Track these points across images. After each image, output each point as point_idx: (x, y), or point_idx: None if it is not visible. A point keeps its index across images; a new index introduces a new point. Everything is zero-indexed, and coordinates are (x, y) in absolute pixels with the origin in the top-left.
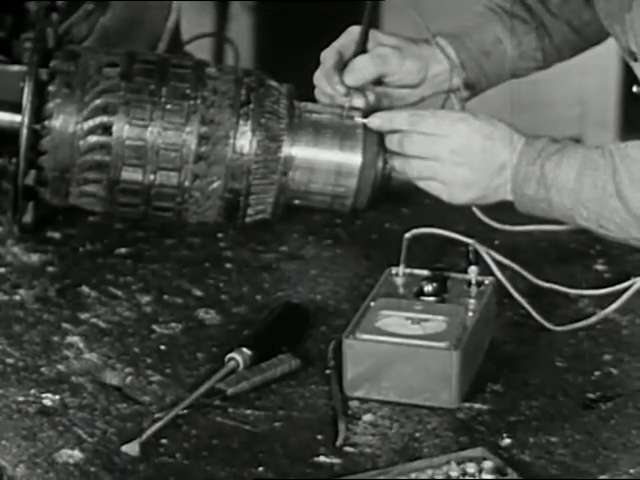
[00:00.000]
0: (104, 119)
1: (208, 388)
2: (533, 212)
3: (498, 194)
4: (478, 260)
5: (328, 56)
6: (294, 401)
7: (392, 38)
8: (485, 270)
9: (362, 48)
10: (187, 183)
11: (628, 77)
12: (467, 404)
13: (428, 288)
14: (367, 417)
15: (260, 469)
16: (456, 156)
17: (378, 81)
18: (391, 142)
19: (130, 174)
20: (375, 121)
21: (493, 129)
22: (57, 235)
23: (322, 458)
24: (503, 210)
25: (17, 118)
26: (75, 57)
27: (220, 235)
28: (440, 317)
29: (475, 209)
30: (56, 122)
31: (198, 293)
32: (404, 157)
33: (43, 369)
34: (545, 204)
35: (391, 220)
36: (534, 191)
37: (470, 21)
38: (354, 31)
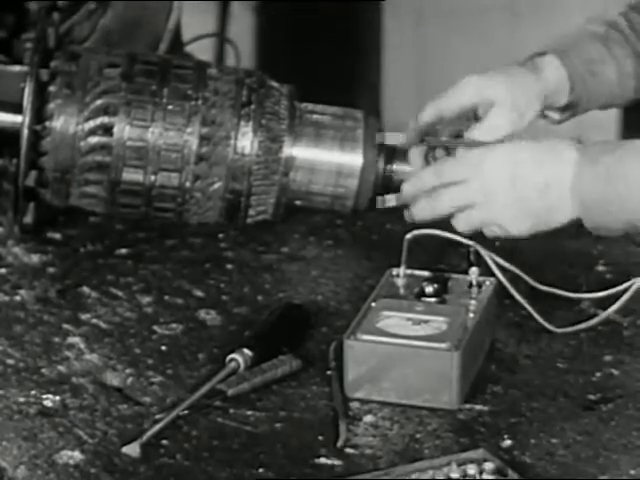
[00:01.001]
0: (105, 120)
1: (209, 389)
2: (603, 222)
3: (555, 215)
4: (479, 261)
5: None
6: (295, 402)
7: (503, 82)
8: (486, 271)
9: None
10: (188, 184)
11: None
12: (468, 405)
13: (429, 289)
14: (368, 418)
15: (261, 470)
16: (490, 195)
17: None
18: (424, 212)
19: (131, 175)
20: (407, 188)
21: (519, 152)
22: (58, 236)
23: (323, 459)
24: None
25: (18, 119)
26: (76, 57)
27: (221, 236)
28: (441, 318)
29: None
30: (57, 123)
31: (199, 294)
32: (451, 217)
33: (44, 370)
34: (616, 206)
35: (392, 221)
36: (602, 192)
37: (572, 38)
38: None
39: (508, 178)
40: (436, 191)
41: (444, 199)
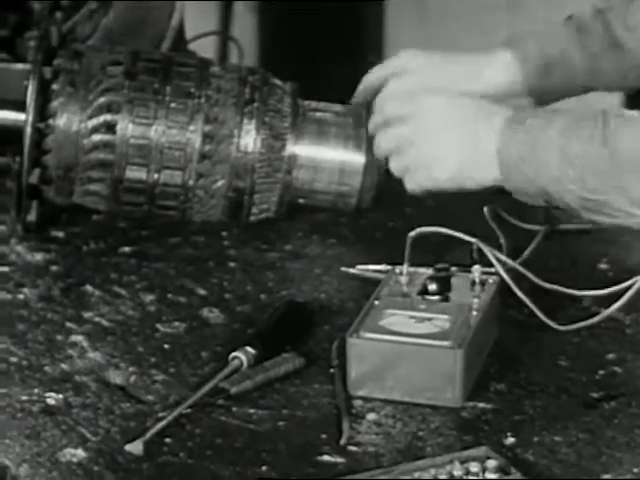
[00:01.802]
0: (108, 117)
1: (212, 387)
2: (520, 185)
3: (479, 170)
4: (482, 259)
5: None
6: (298, 400)
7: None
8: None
9: None
10: (191, 182)
11: None
12: (471, 403)
13: (432, 287)
14: (371, 416)
15: (264, 468)
16: (424, 135)
17: None
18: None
19: (134, 173)
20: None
21: (458, 101)
22: (61, 234)
23: (326, 457)
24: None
25: (21, 117)
26: (79, 56)
27: (224, 234)
28: (444, 316)
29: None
30: (60, 121)
31: (202, 292)
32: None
33: (47, 368)
34: (532, 168)
35: (395, 219)
36: (518, 152)
37: (544, 29)
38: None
39: (443, 122)
40: (379, 134)
41: (382, 136)
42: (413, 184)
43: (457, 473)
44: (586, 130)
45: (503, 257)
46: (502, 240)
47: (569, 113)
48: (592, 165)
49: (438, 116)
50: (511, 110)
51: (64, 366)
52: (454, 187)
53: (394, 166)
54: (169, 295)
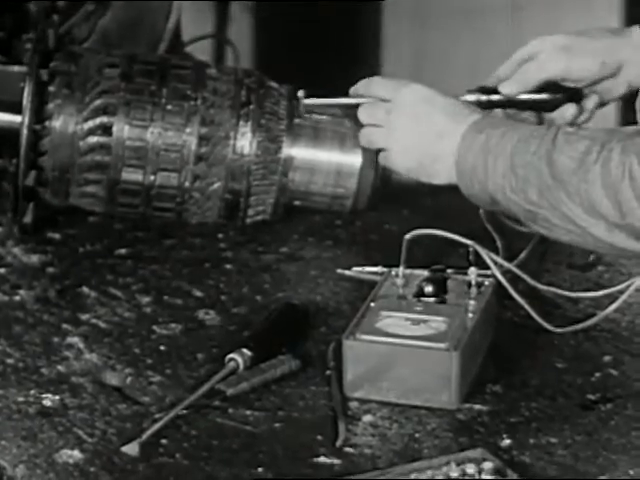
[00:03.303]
0: (104, 120)
1: (208, 389)
2: (471, 190)
3: (436, 167)
4: (478, 261)
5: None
6: (294, 402)
7: (562, 38)
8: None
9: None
10: (187, 184)
11: None
12: (467, 405)
13: (428, 289)
14: (367, 418)
15: (260, 469)
16: (396, 121)
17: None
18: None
19: (130, 175)
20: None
21: (437, 97)
22: (57, 236)
23: (322, 458)
24: None
25: (17, 118)
26: (75, 58)
27: (220, 236)
28: (440, 318)
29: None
30: (56, 122)
31: (198, 294)
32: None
33: (43, 370)
34: (482, 174)
35: (391, 221)
36: (474, 158)
37: None
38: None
39: (416, 113)
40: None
41: (363, 111)
42: (380, 157)
43: (453, 475)
44: (534, 144)
45: (499, 259)
46: (498, 242)
47: (528, 126)
48: (532, 178)
49: (412, 107)
50: (475, 113)
51: (60, 368)
52: (410, 176)
53: (363, 140)
54: (165, 297)
